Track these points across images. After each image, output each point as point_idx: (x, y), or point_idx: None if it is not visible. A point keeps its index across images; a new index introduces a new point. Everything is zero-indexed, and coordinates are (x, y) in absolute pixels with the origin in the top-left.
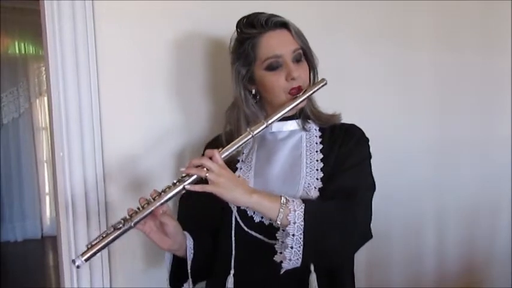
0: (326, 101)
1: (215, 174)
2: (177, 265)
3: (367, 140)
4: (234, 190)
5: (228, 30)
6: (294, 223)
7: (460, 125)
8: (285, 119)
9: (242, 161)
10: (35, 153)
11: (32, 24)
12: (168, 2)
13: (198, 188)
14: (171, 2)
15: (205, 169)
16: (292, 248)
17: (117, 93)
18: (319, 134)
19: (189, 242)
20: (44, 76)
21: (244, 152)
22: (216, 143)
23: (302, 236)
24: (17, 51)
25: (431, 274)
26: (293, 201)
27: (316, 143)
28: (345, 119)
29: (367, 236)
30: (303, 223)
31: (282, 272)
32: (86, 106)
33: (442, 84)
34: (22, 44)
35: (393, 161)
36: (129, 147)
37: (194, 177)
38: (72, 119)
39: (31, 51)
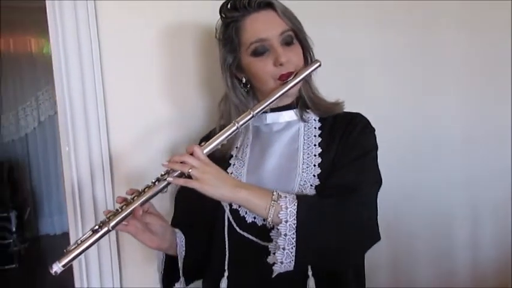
0: (343, 93)
1: (198, 171)
2: (170, 264)
3: (373, 129)
4: (219, 186)
5: None
6: (286, 222)
7: (488, 115)
8: (280, 108)
9: (235, 156)
10: None
11: None
12: None
13: (181, 181)
14: None
15: (188, 165)
16: (284, 249)
17: (122, 88)
18: (318, 125)
19: (180, 240)
20: None
21: (238, 146)
22: (210, 138)
23: (295, 236)
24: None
25: (464, 273)
26: (285, 197)
27: (315, 136)
28: (365, 111)
29: (373, 236)
30: (295, 222)
31: (273, 276)
32: (90, 101)
33: (472, 75)
34: None
35: (417, 155)
36: (135, 141)
37: (177, 173)
38: (77, 113)
39: None
